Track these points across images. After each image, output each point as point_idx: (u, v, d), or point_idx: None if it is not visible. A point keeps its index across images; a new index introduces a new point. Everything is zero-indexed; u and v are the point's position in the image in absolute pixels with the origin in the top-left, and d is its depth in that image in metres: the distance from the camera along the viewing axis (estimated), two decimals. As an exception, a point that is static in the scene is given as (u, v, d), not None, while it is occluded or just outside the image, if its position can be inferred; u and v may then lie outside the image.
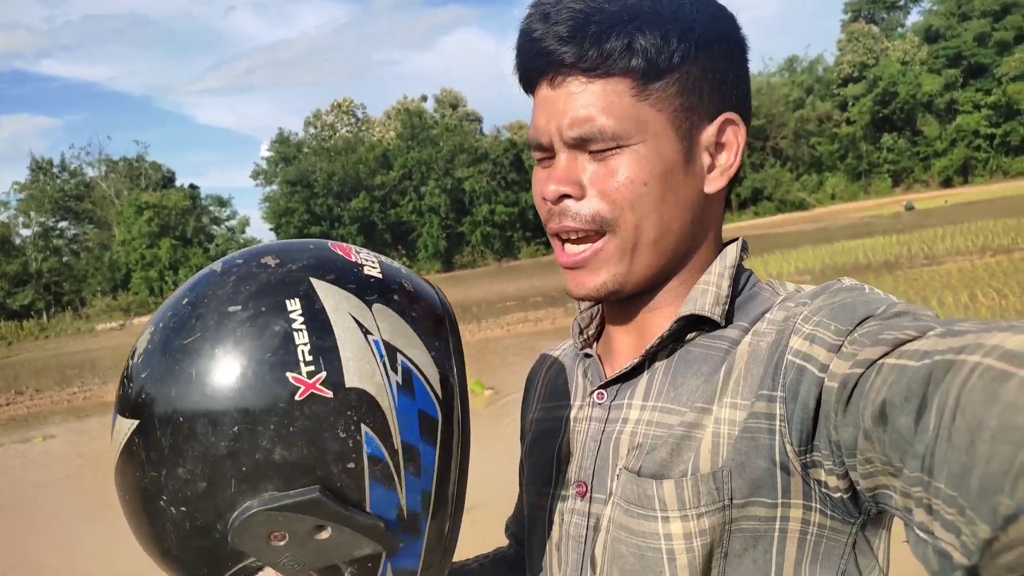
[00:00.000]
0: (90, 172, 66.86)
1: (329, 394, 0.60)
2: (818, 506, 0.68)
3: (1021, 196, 34.43)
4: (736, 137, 0.77)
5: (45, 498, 7.68)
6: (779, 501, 0.68)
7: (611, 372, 0.84)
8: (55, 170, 65.14)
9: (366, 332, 0.63)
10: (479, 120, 67.29)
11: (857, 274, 14.47)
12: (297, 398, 0.59)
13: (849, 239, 22.19)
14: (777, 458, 0.67)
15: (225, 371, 0.60)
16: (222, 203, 70.43)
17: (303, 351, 0.60)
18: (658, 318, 0.81)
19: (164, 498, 0.61)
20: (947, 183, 61.96)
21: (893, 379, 0.53)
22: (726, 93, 0.77)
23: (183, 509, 0.61)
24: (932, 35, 65.76)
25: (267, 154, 66.24)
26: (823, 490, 0.67)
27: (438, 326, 0.70)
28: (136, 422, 0.63)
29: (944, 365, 0.48)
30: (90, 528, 6.37)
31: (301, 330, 0.61)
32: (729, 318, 0.77)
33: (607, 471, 0.78)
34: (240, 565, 0.63)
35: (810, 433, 0.64)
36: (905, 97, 62.86)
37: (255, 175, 65.80)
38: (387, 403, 0.62)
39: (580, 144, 0.74)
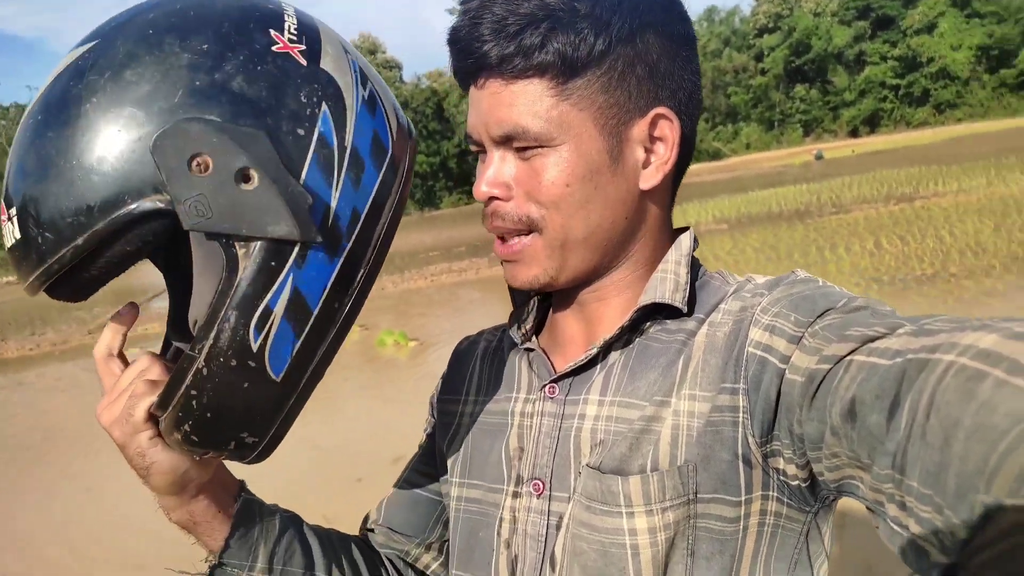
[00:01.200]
0: (-22, 117, 62.46)
1: (304, 62, 0.62)
2: (775, 494, 0.69)
3: (923, 146, 36.04)
4: (671, 132, 0.76)
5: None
6: (743, 498, 0.68)
7: (561, 365, 0.82)
8: (-62, 115, 60.59)
9: (347, 51, 0.68)
10: (399, 67, 65.77)
11: (770, 223, 14.94)
12: (273, 49, 0.61)
13: (762, 188, 22.81)
14: (740, 450, 0.68)
15: (212, 5, 0.62)
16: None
17: (290, 25, 0.64)
18: (607, 308, 0.81)
19: (93, 101, 0.58)
20: (854, 133, 64.41)
21: (863, 377, 0.53)
22: (658, 85, 0.75)
23: (110, 114, 0.57)
24: (843, -13, 67.44)
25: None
26: (781, 478, 0.67)
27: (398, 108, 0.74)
28: (95, 43, 0.61)
29: (918, 364, 0.48)
30: (10, 491, 6.10)
31: (292, 16, 0.65)
32: (690, 305, 0.77)
33: (568, 469, 0.77)
34: (128, 208, 0.57)
35: (771, 424, 0.65)
36: (817, 48, 64.52)
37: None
38: (350, 102, 0.64)
39: (506, 142, 0.74)
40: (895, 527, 0.50)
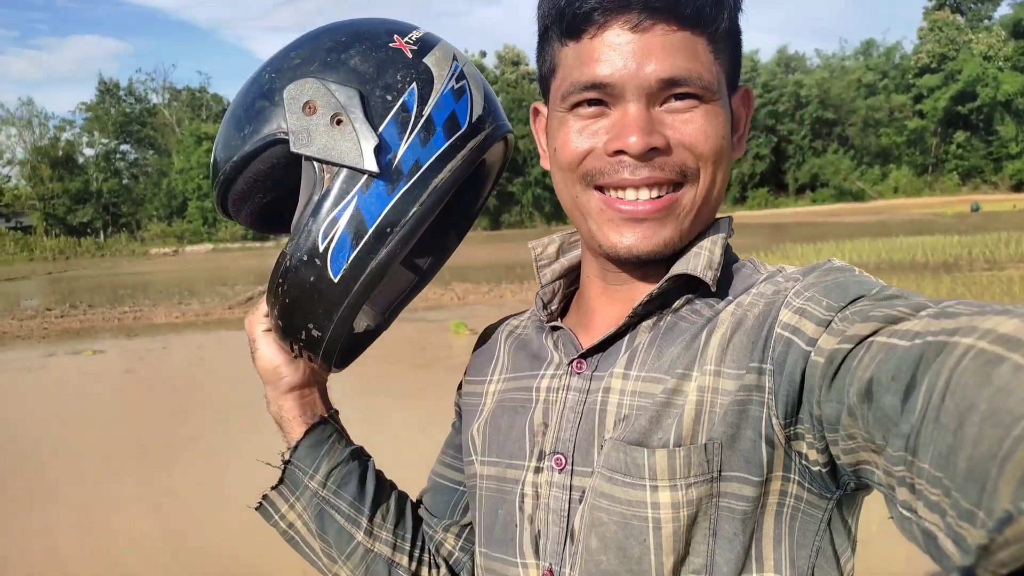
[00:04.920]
0: (154, 98, 68.08)
1: (410, 56, 0.82)
2: (796, 478, 0.68)
3: (1095, 208, 33.00)
4: (748, 108, 0.81)
5: (94, 408, 7.96)
6: (764, 477, 0.68)
7: (588, 343, 0.82)
8: (121, 93, 66.36)
9: (455, 58, 0.85)
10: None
11: (914, 273, 14.10)
12: (389, 45, 0.82)
13: (909, 235, 21.57)
14: (763, 430, 0.67)
15: (368, 21, 0.85)
16: (279, 141, 71.04)
17: (414, 36, 0.84)
18: (647, 288, 0.79)
19: (266, 66, 0.83)
20: (1018, 187, 59.69)
21: (881, 357, 0.52)
22: (741, 64, 0.80)
23: (271, 75, 0.81)
24: (1021, 30, 62.84)
25: (327, 96, 66.44)
26: (803, 462, 0.67)
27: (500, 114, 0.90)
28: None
29: (936, 346, 0.47)
30: (139, 443, 6.59)
31: (419, 31, 0.85)
32: (721, 286, 0.77)
33: (591, 443, 0.76)
34: (263, 134, 0.80)
35: (795, 406, 0.65)
36: (983, 97, 60.39)
37: (313, 116, 66.12)
38: (439, 86, 0.81)
39: (663, 89, 0.72)
40: (904, 511, 0.49)
